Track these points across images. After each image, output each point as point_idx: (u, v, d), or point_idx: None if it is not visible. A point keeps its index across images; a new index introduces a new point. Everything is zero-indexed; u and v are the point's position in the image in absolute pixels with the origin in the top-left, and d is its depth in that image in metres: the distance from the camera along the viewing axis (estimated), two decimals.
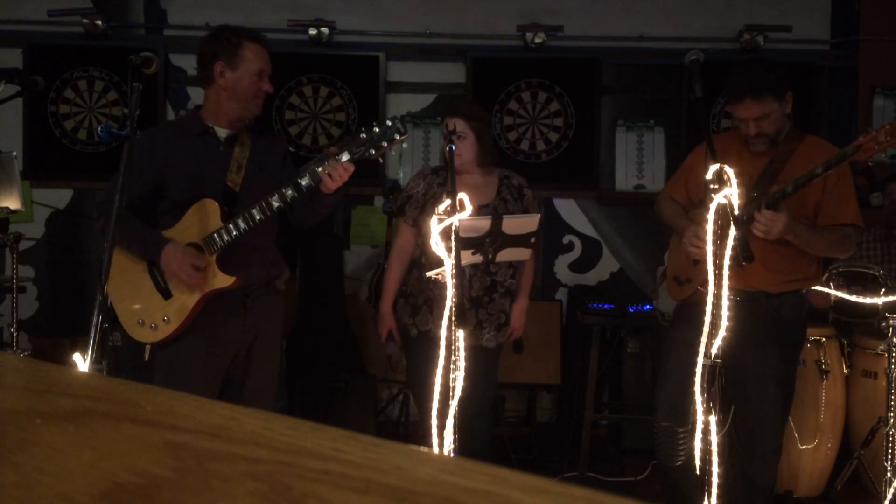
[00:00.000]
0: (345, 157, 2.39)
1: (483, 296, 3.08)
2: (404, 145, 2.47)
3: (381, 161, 2.33)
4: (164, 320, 2.52)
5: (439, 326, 2.30)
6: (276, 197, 2.46)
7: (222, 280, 2.51)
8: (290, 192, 2.45)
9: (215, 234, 2.49)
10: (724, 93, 2.82)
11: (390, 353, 4.02)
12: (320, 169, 2.40)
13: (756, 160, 2.81)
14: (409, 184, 3.27)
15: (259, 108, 2.66)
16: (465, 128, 3.08)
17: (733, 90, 2.74)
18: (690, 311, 2.79)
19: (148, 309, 2.53)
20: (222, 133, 2.65)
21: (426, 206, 3.12)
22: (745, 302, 2.81)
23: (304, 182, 2.42)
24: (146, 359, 2.61)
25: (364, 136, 2.40)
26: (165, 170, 2.55)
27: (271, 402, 2.85)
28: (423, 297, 3.12)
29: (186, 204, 2.55)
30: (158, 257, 2.48)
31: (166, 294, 2.53)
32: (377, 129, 2.39)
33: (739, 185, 2.77)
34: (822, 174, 2.57)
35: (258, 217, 2.47)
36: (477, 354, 2.97)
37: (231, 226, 2.48)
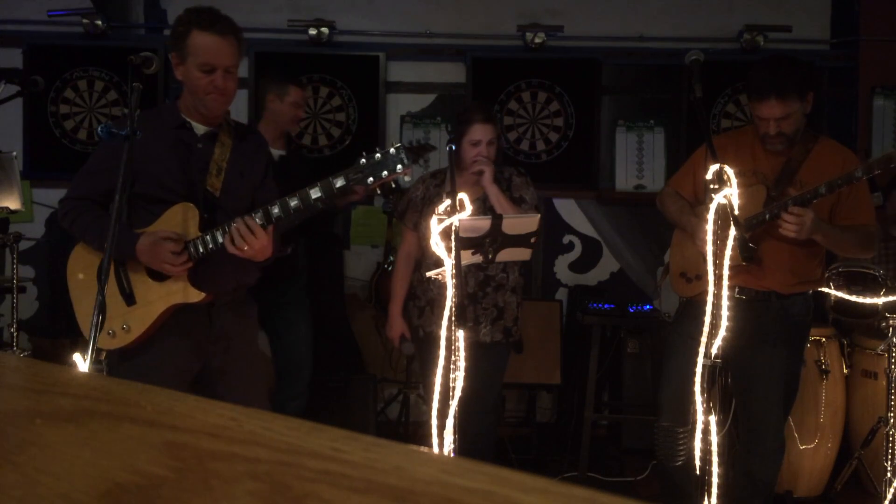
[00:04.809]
0: (339, 182, 2.21)
1: (477, 291, 3.10)
2: (406, 178, 2.30)
3: (395, 186, 2.30)
4: (123, 328, 2.35)
5: (440, 326, 2.31)
6: (260, 214, 2.28)
7: (192, 295, 2.34)
8: (276, 211, 2.27)
9: (190, 245, 2.32)
10: (746, 89, 2.78)
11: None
12: (315, 196, 2.23)
13: (772, 159, 2.78)
14: (410, 189, 3.29)
15: (217, 104, 2.43)
16: (493, 133, 3.10)
17: (757, 88, 2.68)
18: (696, 308, 2.77)
19: (108, 313, 2.26)
20: (199, 129, 2.46)
21: (424, 210, 3.14)
22: (755, 301, 2.80)
23: (293, 203, 2.26)
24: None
25: (364, 161, 2.20)
26: (140, 163, 2.27)
27: (266, 404, 2.71)
28: (425, 298, 3.16)
29: (161, 202, 2.37)
30: (134, 254, 2.32)
31: (129, 300, 2.37)
32: (378, 156, 2.19)
33: (756, 183, 2.77)
34: (862, 176, 2.56)
35: None
36: (477, 350, 2.97)
37: (208, 238, 2.32)
